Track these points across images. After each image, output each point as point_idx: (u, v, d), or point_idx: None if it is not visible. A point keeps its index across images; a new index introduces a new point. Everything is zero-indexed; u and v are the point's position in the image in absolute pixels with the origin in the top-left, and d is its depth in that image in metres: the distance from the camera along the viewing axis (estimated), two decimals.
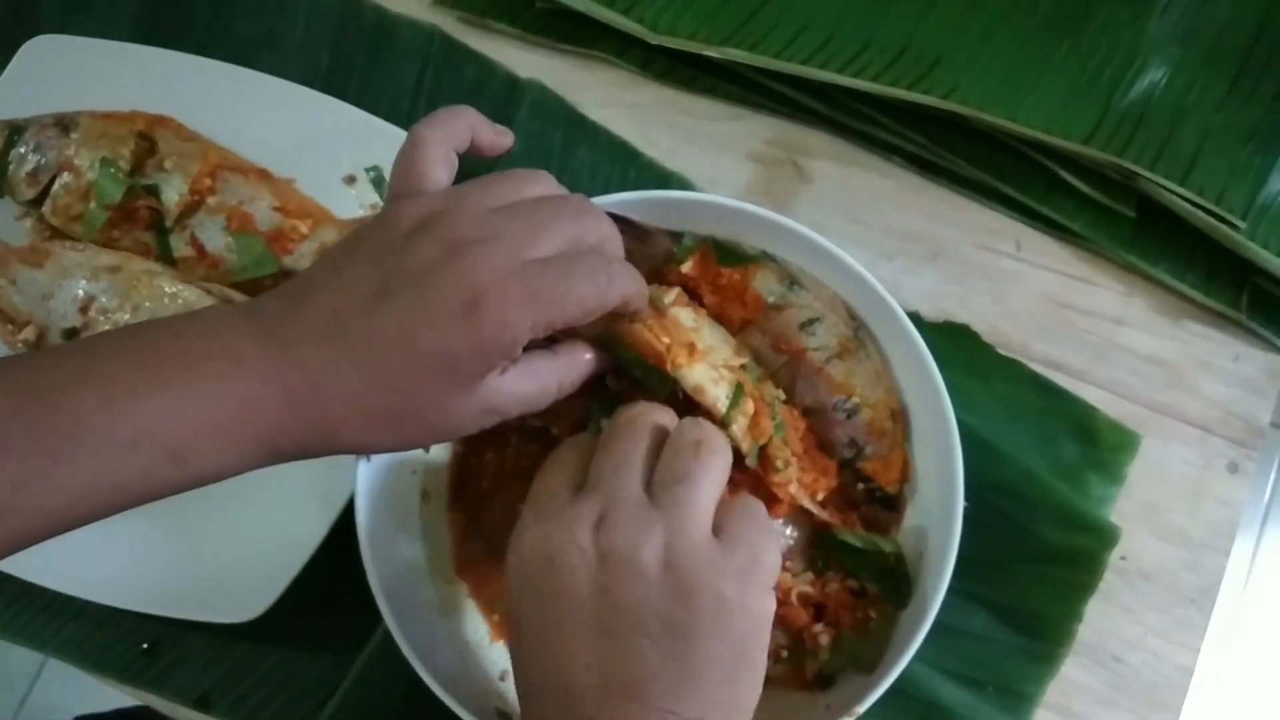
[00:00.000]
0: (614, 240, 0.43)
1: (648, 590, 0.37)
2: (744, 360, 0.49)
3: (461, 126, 0.45)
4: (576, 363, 0.44)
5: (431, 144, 0.44)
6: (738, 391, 0.46)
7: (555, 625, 0.38)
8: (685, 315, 0.48)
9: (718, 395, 0.45)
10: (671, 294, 0.48)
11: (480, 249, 0.38)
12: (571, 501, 0.40)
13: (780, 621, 0.47)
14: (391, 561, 0.49)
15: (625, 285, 0.42)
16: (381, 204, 0.59)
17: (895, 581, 0.48)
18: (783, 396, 0.49)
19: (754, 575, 0.39)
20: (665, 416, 0.42)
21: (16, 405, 0.35)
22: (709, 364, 0.46)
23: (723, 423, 0.45)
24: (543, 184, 0.43)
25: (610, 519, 0.38)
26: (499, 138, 0.47)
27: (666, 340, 0.45)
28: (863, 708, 0.45)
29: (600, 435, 0.42)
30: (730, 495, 0.41)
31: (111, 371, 0.36)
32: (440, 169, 0.43)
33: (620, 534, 0.38)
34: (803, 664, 0.48)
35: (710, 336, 0.48)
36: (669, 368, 0.45)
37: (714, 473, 0.40)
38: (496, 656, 0.51)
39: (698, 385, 0.45)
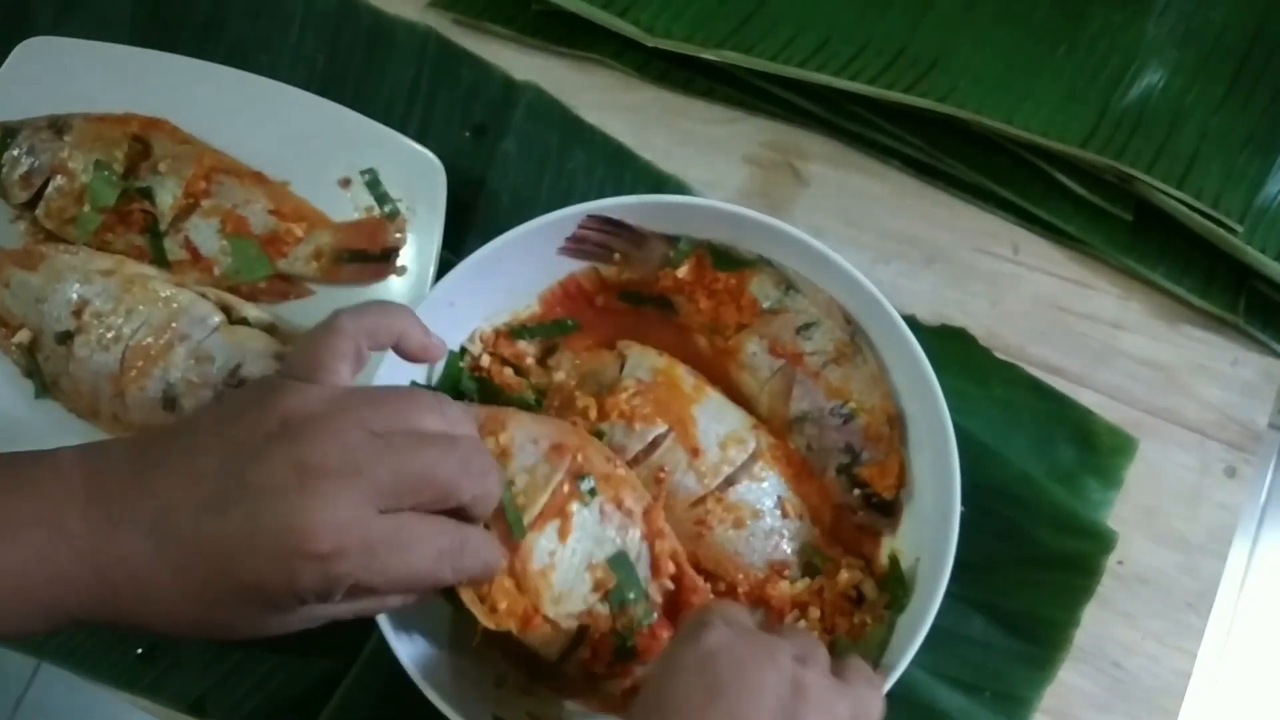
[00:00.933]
0: (488, 502, 0.41)
1: None
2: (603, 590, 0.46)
3: (386, 329, 0.43)
4: (386, 605, 0.42)
5: (346, 336, 0.41)
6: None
7: None
8: (542, 549, 0.45)
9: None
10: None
11: (330, 486, 0.36)
12: (767, 631, 0.40)
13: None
14: None
15: (470, 565, 0.41)
16: (376, 207, 0.59)
17: (892, 586, 0.48)
18: (646, 619, 0.46)
19: None
20: None
21: None
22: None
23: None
24: (439, 417, 0.40)
25: (813, 665, 0.38)
26: (428, 349, 0.44)
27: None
28: None
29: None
30: None
31: None
32: (345, 364, 0.40)
33: (822, 679, 0.38)
34: None
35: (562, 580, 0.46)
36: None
37: (882, 698, 0.41)
38: (492, 664, 0.51)
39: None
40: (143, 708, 0.57)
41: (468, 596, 0.44)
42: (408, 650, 0.47)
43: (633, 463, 0.48)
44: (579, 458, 0.46)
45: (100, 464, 0.38)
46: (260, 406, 0.38)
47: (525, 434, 0.46)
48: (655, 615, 0.46)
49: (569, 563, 0.45)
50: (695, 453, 0.49)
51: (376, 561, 0.37)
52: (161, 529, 0.37)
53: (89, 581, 0.37)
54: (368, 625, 0.48)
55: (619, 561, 0.46)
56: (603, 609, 0.46)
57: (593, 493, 0.46)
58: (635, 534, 0.46)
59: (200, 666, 0.56)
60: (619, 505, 0.46)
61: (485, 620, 0.44)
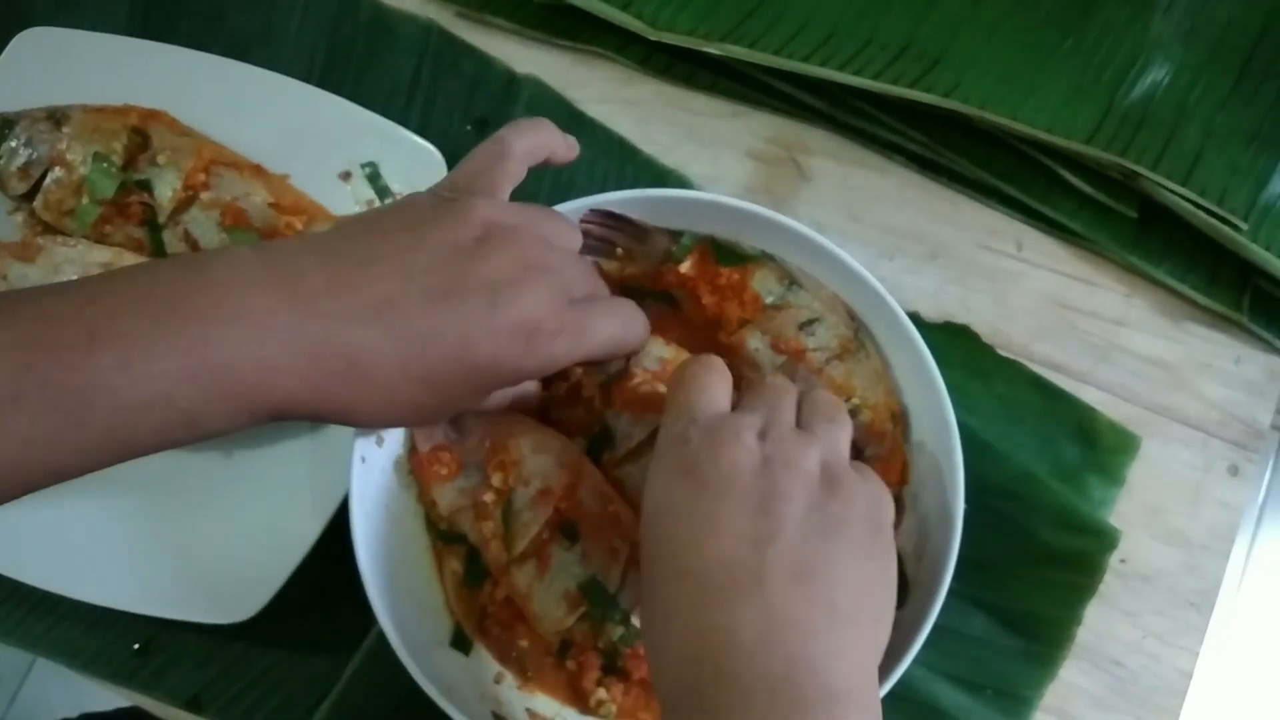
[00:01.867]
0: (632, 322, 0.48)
1: (809, 488, 0.39)
2: None
3: (544, 142, 0.47)
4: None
5: (516, 158, 0.45)
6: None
7: (717, 507, 0.38)
8: (521, 580, 0.48)
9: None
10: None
11: (547, 278, 0.42)
12: (731, 415, 0.41)
13: None
14: (386, 565, 0.48)
15: (640, 328, 0.48)
16: (376, 200, 0.58)
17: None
18: (625, 643, 0.48)
19: (886, 508, 0.41)
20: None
21: (30, 361, 0.34)
22: None
23: None
24: (576, 235, 0.47)
25: (774, 434, 0.40)
26: (569, 151, 0.48)
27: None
28: None
29: (746, 384, 0.46)
30: None
31: (127, 329, 0.35)
32: (511, 182, 0.45)
33: (785, 444, 0.40)
34: None
35: None
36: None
37: (850, 425, 0.43)
38: (491, 660, 0.50)
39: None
40: (141, 704, 0.56)
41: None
42: (407, 647, 0.46)
43: (635, 451, 0.48)
44: (564, 505, 0.48)
45: (287, 263, 0.39)
46: (458, 215, 0.42)
47: (521, 472, 0.48)
48: (637, 639, 0.47)
49: (545, 594, 0.48)
50: None
51: (584, 334, 0.43)
52: (388, 319, 0.38)
53: (302, 370, 0.37)
54: (366, 620, 0.48)
55: (590, 587, 0.47)
56: (583, 626, 0.47)
57: (574, 539, 0.48)
58: (618, 570, 0.47)
59: (197, 662, 0.56)
60: (602, 547, 0.47)
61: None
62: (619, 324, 0.46)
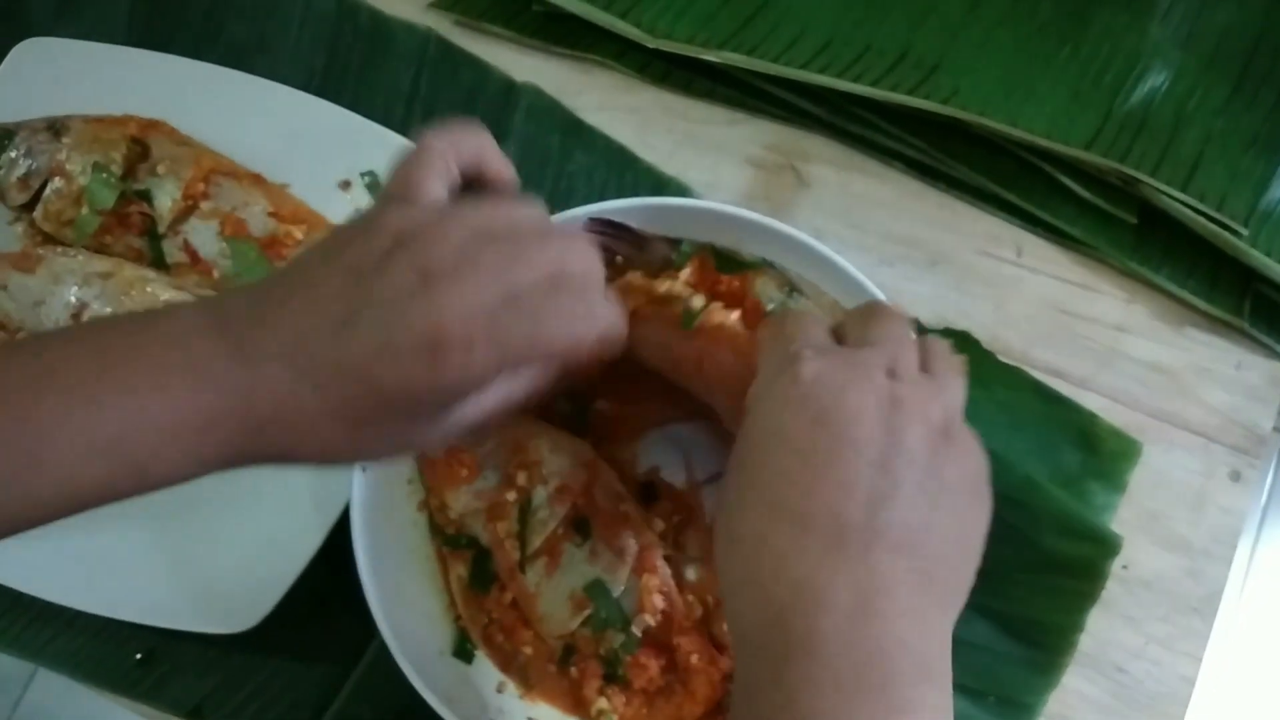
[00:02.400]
0: (598, 272, 0.41)
1: (931, 444, 0.37)
2: None
3: (472, 144, 0.43)
4: (545, 372, 0.42)
5: (437, 154, 0.41)
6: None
7: (835, 451, 0.36)
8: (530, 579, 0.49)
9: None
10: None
11: (452, 284, 0.37)
12: (854, 350, 0.39)
13: None
14: (388, 574, 0.48)
15: (602, 325, 0.41)
16: None
17: None
18: (627, 650, 0.48)
19: (986, 469, 0.40)
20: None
21: None
22: None
23: None
24: (532, 210, 0.41)
25: (902, 372, 0.38)
26: (506, 168, 0.44)
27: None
28: None
29: (853, 313, 0.42)
30: None
31: (71, 379, 0.36)
32: (438, 182, 0.41)
33: (913, 387, 0.38)
34: None
35: None
36: None
37: (967, 380, 0.41)
38: (493, 669, 0.50)
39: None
40: (141, 713, 0.56)
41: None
42: (408, 656, 0.46)
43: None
44: (580, 502, 0.48)
45: (222, 312, 0.38)
46: (369, 229, 0.39)
47: (541, 471, 0.49)
48: (637, 647, 0.47)
49: (552, 594, 0.48)
50: None
51: (511, 340, 0.37)
52: (298, 356, 0.37)
53: (240, 417, 0.37)
54: (368, 630, 0.48)
55: (596, 589, 0.47)
56: (585, 632, 0.48)
57: (586, 536, 0.48)
58: (624, 572, 0.48)
59: (199, 671, 0.56)
60: (611, 545, 0.48)
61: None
62: (572, 317, 0.39)
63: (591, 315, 0.40)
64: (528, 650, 0.50)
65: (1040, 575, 0.53)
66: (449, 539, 0.51)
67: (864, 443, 0.36)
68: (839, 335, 0.41)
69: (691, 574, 0.49)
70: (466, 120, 0.43)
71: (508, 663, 0.50)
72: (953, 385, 0.40)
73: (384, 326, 0.37)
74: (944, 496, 0.37)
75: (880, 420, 0.37)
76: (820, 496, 0.36)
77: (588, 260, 0.41)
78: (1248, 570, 0.62)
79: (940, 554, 0.36)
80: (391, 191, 0.41)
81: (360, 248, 0.38)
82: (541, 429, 0.50)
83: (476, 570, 0.51)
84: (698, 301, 0.46)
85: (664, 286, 0.48)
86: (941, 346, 0.41)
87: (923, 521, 0.36)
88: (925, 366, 0.40)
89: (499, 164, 0.44)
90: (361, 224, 0.40)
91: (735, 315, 0.46)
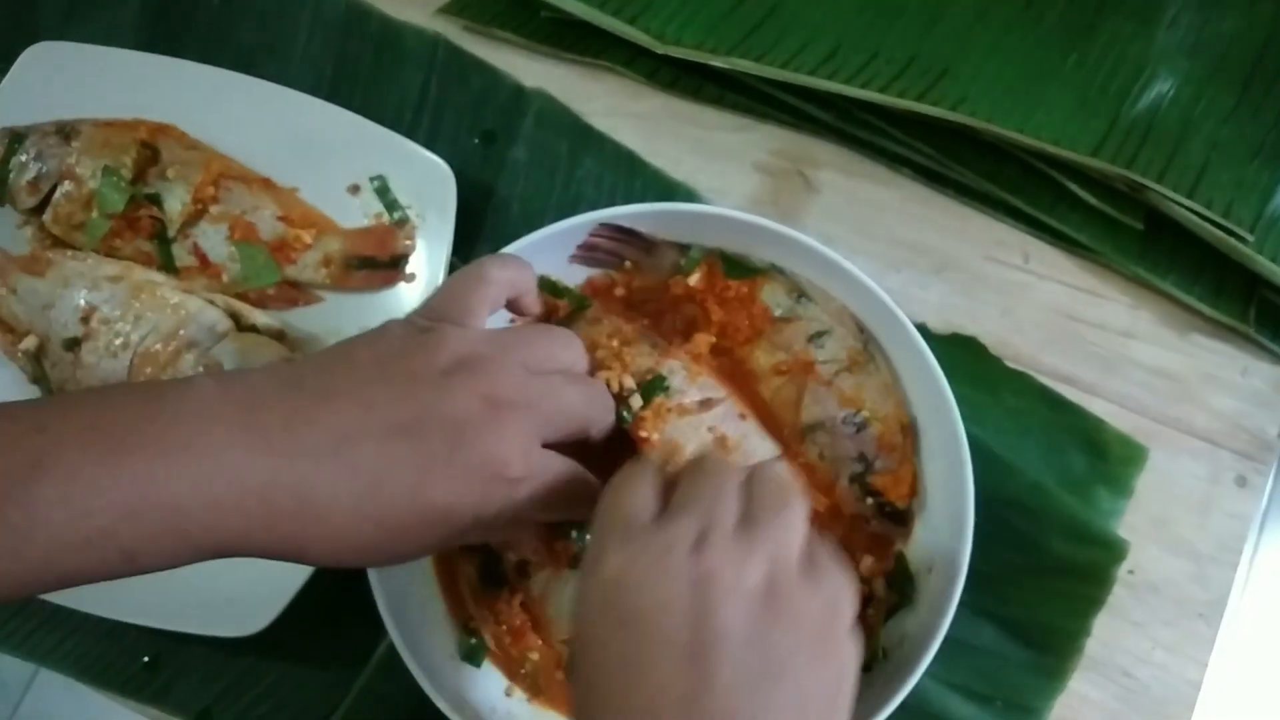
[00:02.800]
0: (606, 429, 0.45)
1: (748, 616, 0.35)
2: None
3: (521, 283, 0.45)
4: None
5: (495, 285, 0.43)
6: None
7: (644, 653, 0.35)
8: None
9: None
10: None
11: (515, 417, 0.39)
12: (660, 526, 0.37)
13: None
14: (396, 577, 0.48)
15: (610, 407, 0.45)
16: (385, 214, 0.58)
17: (900, 584, 0.48)
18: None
19: (842, 610, 0.37)
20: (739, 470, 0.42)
21: None
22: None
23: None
24: (570, 351, 0.44)
25: (711, 541, 0.36)
26: (534, 305, 0.47)
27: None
28: None
29: (685, 468, 0.41)
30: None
31: (74, 460, 0.34)
32: (488, 309, 0.43)
33: (724, 555, 0.36)
34: None
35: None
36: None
37: (806, 508, 0.39)
38: (502, 673, 0.50)
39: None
40: (148, 716, 0.56)
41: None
42: (417, 660, 0.46)
43: (686, 410, 0.48)
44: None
45: (248, 398, 0.37)
46: (426, 346, 0.39)
47: None
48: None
49: (559, 597, 0.48)
50: (743, 417, 0.49)
51: (538, 488, 0.40)
52: (344, 455, 0.37)
53: (250, 509, 0.36)
54: (376, 633, 0.48)
55: None
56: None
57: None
58: None
59: (207, 676, 0.56)
60: None
61: None
62: (574, 477, 0.41)
63: (609, 404, 0.45)
64: (535, 656, 0.50)
65: (1047, 580, 0.53)
66: None
67: (672, 637, 0.34)
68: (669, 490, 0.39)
69: None
70: (518, 259, 0.46)
71: (515, 669, 0.50)
72: (774, 531, 0.37)
73: (448, 445, 0.37)
74: (775, 667, 0.34)
75: (688, 607, 0.35)
76: (635, 702, 0.34)
77: (607, 416, 0.45)
78: (1251, 575, 0.63)
79: None
80: (445, 311, 0.42)
81: (419, 360, 0.39)
82: None
83: (485, 571, 0.51)
84: (636, 401, 0.47)
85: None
86: (768, 479, 0.39)
87: (748, 704, 0.34)
88: (750, 513, 0.38)
89: (532, 302, 0.47)
90: (416, 337, 0.40)
91: (656, 436, 0.47)
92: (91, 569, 0.35)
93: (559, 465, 0.41)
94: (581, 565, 0.39)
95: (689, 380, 0.48)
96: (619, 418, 0.47)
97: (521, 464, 0.39)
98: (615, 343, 0.49)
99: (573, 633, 0.40)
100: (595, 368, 0.47)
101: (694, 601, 0.35)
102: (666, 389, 0.48)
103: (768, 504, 0.38)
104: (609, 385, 0.47)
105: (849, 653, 0.37)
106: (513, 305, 0.46)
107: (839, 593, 0.37)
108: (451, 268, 0.56)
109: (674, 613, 0.35)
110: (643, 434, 0.47)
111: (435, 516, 0.38)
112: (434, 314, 0.42)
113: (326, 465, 0.36)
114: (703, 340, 0.50)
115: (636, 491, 0.39)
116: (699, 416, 0.48)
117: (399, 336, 0.40)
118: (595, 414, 0.43)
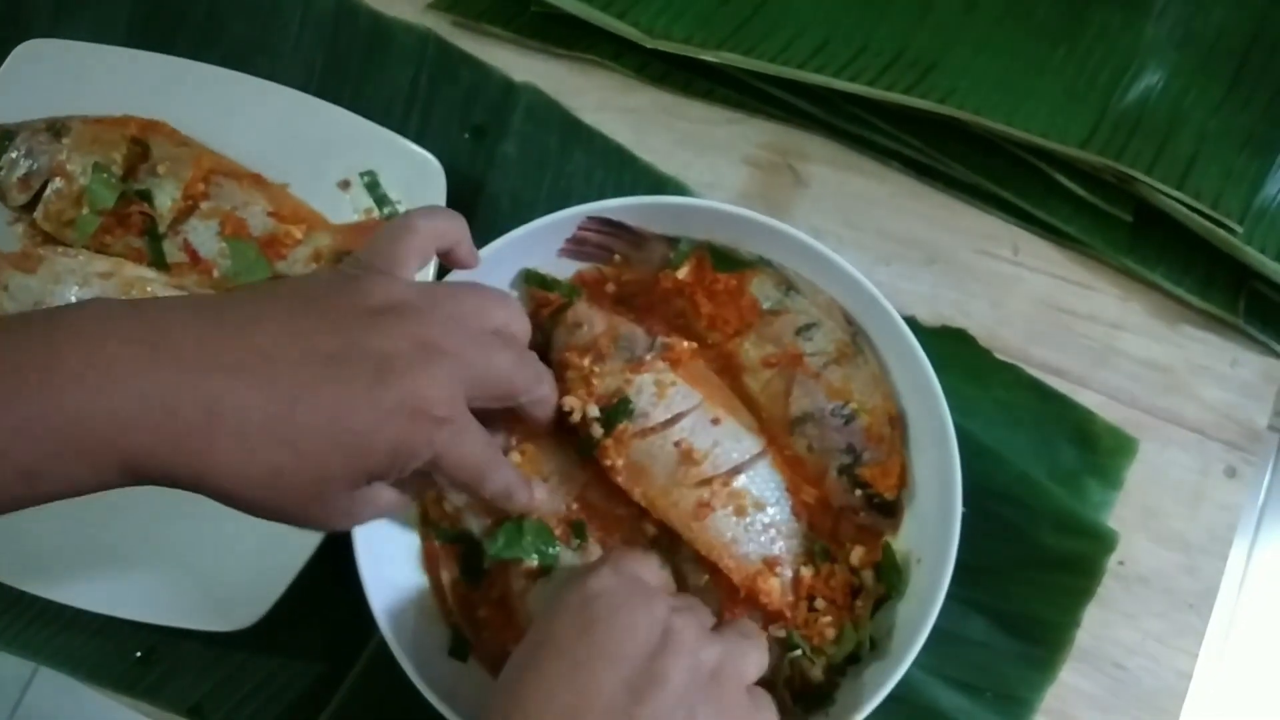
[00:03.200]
0: (545, 407, 0.46)
1: (690, 682, 0.38)
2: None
3: (453, 231, 0.45)
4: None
5: (422, 235, 0.43)
6: None
7: (594, 661, 0.38)
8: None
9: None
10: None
11: (445, 361, 0.39)
12: (651, 587, 0.42)
13: (783, 621, 0.47)
14: (387, 572, 0.48)
15: (547, 383, 0.46)
16: (376, 209, 0.58)
17: (888, 574, 0.48)
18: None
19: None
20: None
21: None
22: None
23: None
24: (507, 310, 0.44)
25: (686, 614, 0.40)
26: (472, 256, 0.47)
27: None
28: (864, 713, 0.45)
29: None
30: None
31: None
32: (417, 260, 0.43)
33: (695, 630, 0.40)
34: (803, 669, 0.48)
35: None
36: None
37: (767, 659, 0.43)
38: (485, 668, 0.50)
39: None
40: (142, 711, 0.57)
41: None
42: (408, 654, 0.46)
43: (650, 431, 0.48)
44: (576, 505, 0.49)
45: (159, 315, 0.37)
46: (356, 288, 0.40)
47: (540, 469, 0.50)
48: None
49: (540, 595, 0.49)
50: (716, 422, 0.49)
51: (461, 437, 0.40)
52: (260, 371, 0.36)
53: (155, 422, 0.35)
54: (368, 628, 0.48)
55: None
56: None
57: (583, 538, 0.49)
58: None
59: (199, 670, 0.56)
60: (606, 547, 0.49)
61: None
62: (487, 448, 0.42)
63: (541, 374, 0.46)
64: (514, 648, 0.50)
65: (1037, 571, 0.53)
66: (441, 532, 0.51)
67: (623, 660, 0.38)
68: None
69: (692, 578, 0.49)
70: (447, 210, 0.46)
71: (496, 664, 0.50)
72: (738, 644, 0.41)
73: (372, 376, 0.37)
74: None
75: (648, 643, 0.38)
76: (568, 698, 0.37)
77: (542, 389, 0.46)
78: (1246, 567, 0.63)
79: None
80: (374, 262, 0.42)
81: (346, 300, 0.39)
82: (547, 431, 0.50)
83: (466, 565, 0.51)
84: (598, 430, 0.47)
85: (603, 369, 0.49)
86: (747, 623, 0.44)
87: None
88: (724, 629, 0.42)
89: (468, 253, 0.46)
90: (345, 279, 0.41)
91: (621, 462, 0.48)
92: None
93: (479, 432, 0.41)
94: (568, 575, 0.42)
95: (658, 396, 0.48)
96: (582, 445, 0.48)
97: (446, 407, 0.39)
98: (586, 362, 0.49)
99: (534, 624, 0.41)
100: (563, 391, 0.48)
101: (655, 643, 0.38)
102: (630, 413, 0.48)
103: (739, 628, 0.43)
104: (572, 415, 0.48)
105: None
106: (448, 257, 0.46)
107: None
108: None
109: (636, 642, 0.38)
110: (607, 462, 0.48)
111: (350, 445, 0.37)
112: (361, 264, 0.42)
113: (241, 380, 0.36)
114: (685, 348, 0.50)
115: (648, 560, 0.44)
116: (664, 434, 0.48)
117: (325, 279, 0.41)
118: (524, 381, 0.44)
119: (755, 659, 0.42)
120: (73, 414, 0.34)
